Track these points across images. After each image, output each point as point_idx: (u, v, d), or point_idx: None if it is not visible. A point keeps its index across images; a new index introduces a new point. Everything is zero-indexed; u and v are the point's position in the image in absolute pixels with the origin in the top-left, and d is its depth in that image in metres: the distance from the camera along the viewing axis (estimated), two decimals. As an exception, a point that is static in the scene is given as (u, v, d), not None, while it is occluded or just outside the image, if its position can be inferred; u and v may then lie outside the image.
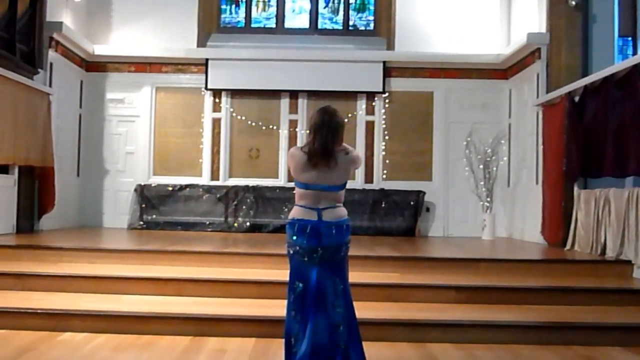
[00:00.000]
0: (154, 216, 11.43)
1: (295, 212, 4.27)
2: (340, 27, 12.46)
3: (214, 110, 11.94)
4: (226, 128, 11.90)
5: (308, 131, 4.34)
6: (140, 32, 11.83)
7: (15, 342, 5.00)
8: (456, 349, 5.09)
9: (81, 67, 11.57)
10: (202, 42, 11.95)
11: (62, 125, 10.72)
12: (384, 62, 11.76)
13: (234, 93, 11.93)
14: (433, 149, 11.84)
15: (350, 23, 12.45)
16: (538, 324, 5.49)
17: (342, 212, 4.29)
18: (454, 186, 11.70)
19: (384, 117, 11.86)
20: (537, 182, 10.03)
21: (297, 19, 12.50)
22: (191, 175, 11.81)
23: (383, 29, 12.19)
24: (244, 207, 11.44)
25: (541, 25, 10.11)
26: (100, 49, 11.62)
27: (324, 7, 12.48)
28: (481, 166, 11.12)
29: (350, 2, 12.45)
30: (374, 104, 11.89)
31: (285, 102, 11.93)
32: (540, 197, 9.60)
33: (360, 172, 11.56)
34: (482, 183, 11.10)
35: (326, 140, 4.15)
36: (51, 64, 10.20)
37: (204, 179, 11.80)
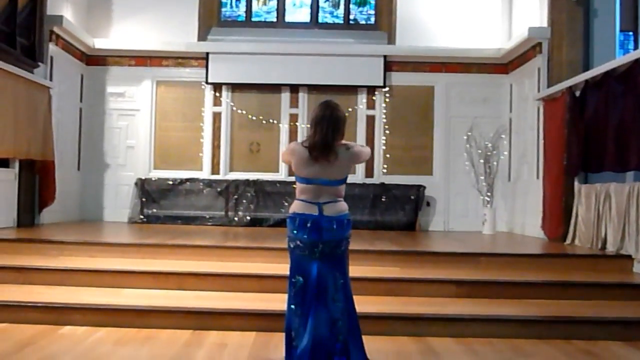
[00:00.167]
0: (155, 210, 11.44)
1: (296, 207, 4.28)
2: (341, 21, 12.43)
3: (215, 104, 11.93)
4: (227, 122, 11.89)
5: (309, 125, 4.34)
6: (140, 26, 11.81)
7: (16, 335, 5.01)
8: (456, 343, 5.10)
9: (81, 61, 11.55)
10: (202, 36, 11.93)
11: (63, 119, 10.71)
12: (385, 57, 11.74)
13: (235, 87, 11.92)
14: (434, 144, 11.83)
15: (351, 17, 12.43)
16: (538, 319, 5.50)
17: (343, 206, 4.29)
18: (455, 181, 11.70)
19: (384, 111, 11.84)
20: (537, 177, 10.03)
21: (298, 12, 12.47)
22: (192, 169, 11.81)
23: (384, 23, 12.17)
24: (244, 201, 11.44)
25: (542, 20, 10.10)
26: (101, 43, 11.60)
27: (325, 1, 12.45)
28: (482, 161, 11.12)
29: (351, -4, 12.45)
30: (374, 98, 11.88)
31: (285, 96, 11.92)
32: (541, 191, 9.60)
33: (360, 167, 11.55)
34: (482, 177, 11.10)
35: (327, 134, 4.15)
36: (52, 58, 10.19)
37: (205, 173, 11.80)
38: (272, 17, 12.44)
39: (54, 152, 9.93)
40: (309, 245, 4.20)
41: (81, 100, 11.62)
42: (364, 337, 4.42)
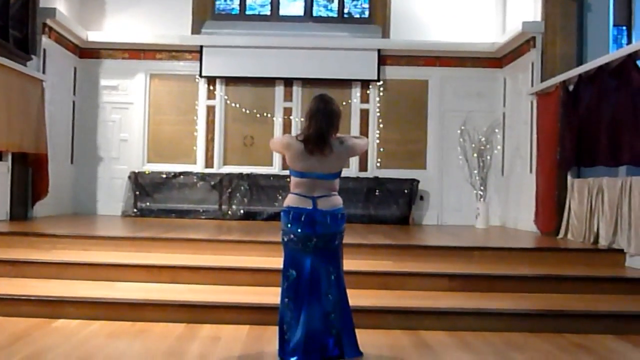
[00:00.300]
0: (148, 203, 11.42)
1: (290, 200, 4.29)
2: (335, 15, 12.42)
3: (209, 98, 11.91)
4: (220, 115, 11.88)
5: (303, 119, 4.35)
6: (134, 19, 11.77)
7: (9, 328, 5.00)
8: (449, 337, 5.11)
9: (75, 54, 11.51)
10: (196, 29, 11.89)
11: (56, 112, 10.67)
12: (379, 50, 11.74)
13: (229, 80, 11.90)
14: (427, 138, 11.85)
15: (345, 11, 12.41)
16: (531, 312, 5.52)
17: (337, 200, 4.31)
18: (448, 175, 11.72)
19: (378, 105, 11.85)
20: (530, 171, 10.05)
21: (292, 6, 12.44)
22: (185, 162, 11.79)
23: (378, 16, 12.15)
24: (238, 194, 11.43)
25: (536, 14, 10.11)
26: (94, 36, 11.56)
27: (319, -5, 12.45)
28: (475, 155, 11.14)
29: (346, -11, 12.43)
30: (368, 92, 11.87)
31: (279, 90, 11.90)
32: (534, 186, 9.62)
33: (354, 160, 11.55)
34: (476, 172, 11.12)
35: (321, 126, 4.16)
36: (44, 51, 10.14)
37: (198, 167, 11.79)
38: (266, 11, 12.41)
39: (47, 145, 9.89)
40: (302, 239, 4.21)
41: (74, 93, 11.58)
42: (357, 331, 4.45)
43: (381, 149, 11.78)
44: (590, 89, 8.28)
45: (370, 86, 11.85)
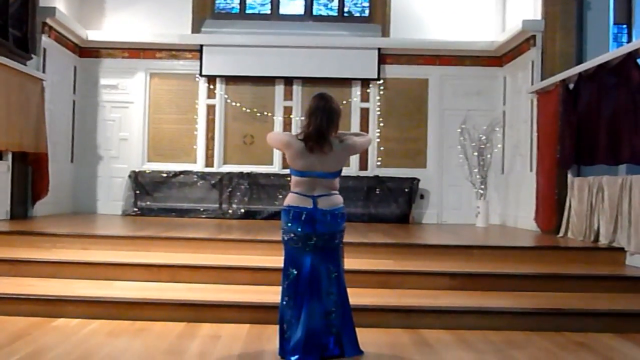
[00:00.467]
0: (148, 202, 11.42)
1: (290, 199, 4.29)
2: (335, 14, 12.41)
3: (209, 97, 11.91)
4: (220, 114, 11.87)
5: (303, 118, 4.35)
6: (133, 18, 11.77)
7: (9, 327, 5.00)
8: (449, 335, 5.11)
9: (74, 53, 11.50)
10: (196, 28, 11.89)
11: (56, 111, 10.67)
12: (379, 49, 11.73)
13: (229, 79, 11.90)
14: (427, 136, 11.85)
15: (345, 9, 12.41)
16: (531, 310, 5.51)
17: (338, 199, 4.31)
18: (448, 173, 11.72)
19: (378, 103, 11.84)
20: (531, 170, 10.05)
21: (292, 5, 12.44)
22: (185, 161, 11.79)
23: (378, 15, 12.15)
24: (238, 193, 11.43)
25: (536, 12, 10.10)
26: (94, 35, 11.55)
27: (319, -7, 12.45)
28: (475, 153, 11.14)
29: (345, -12, 12.42)
30: (368, 90, 11.87)
31: (279, 89, 11.90)
32: (534, 184, 9.62)
33: (354, 159, 11.56)
34: (476, 170, 11.11)
35: (321, 124, 4.17)
36: (44, 50, 10.14)
37: (198, 166, 11.79)
38: (266, 9, 12.41)
39: (47, 144, 9.89)
40: (302, 238, 4.21)
41: (74, 92, 11.57)
42: (357, 329, 4.45)
43: (381, 148, 11.78)
44: (590, 88, 8.28)
45: (370, 85, 11.85)
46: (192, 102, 11.88)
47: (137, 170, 11.60)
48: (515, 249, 7.46)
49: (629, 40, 9.30)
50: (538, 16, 10.03)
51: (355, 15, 12.43)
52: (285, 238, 4.31)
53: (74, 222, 9.30)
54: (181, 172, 11.55)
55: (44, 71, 10.05)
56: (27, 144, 9.38)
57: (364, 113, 11.86)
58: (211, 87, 11.88)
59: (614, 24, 9.56)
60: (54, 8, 10.10)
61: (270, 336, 4.72)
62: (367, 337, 4.67)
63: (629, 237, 7.12)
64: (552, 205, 9.09)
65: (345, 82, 11.79)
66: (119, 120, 11.85)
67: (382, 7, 12.04)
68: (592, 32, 9.59)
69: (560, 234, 8.78)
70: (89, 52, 11.76)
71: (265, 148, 11.55)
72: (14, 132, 9.02)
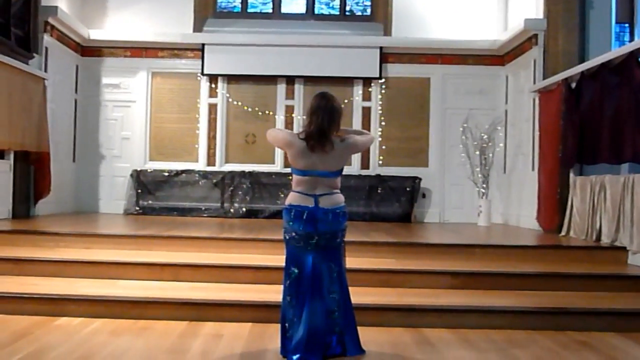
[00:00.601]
0: (150, 201, 11.43)
1: (292, 198, 4.29)
2: (337, 13, 12.40)
3: (210, 96, 11.91)
4: (222, 113, 11.87)
5: (305, 117, 4.35)
6: (135, 17, 11.77)
7: (11, 326, 5.01)
8: (451, 334, 5.11)
9: (76, 52, 11.50)
10: (198, 27, 11.89)
11: (58, 111, 10.68)
12: (381, 48, 11.72)
13: (230, 78, 11.90)
14: (429, 135, 11.84)
15: (347, 8, 12.40)
16: (533, 310, 5.51)
17: (339, 198, 4.31)
18: (450, 172, 11.71)
19: (380, 102, 11.84)
20: (533, 169, 10.04)
21: (294, 4, 12.43)
22: (187, 160, 11.79)
23: (380, 14, 12.14)
24: (240, 192, 11.44)
25: (538, 11, 10.09)
26: (96, 34, 11.55)
27: (321, -8, 12.44)
28: (477, 152, 11.13)
29: (347, -13, 12.41)
30: (370, 89, 11.86)
31: (281, 88, 11.90)
32: (536, 183, 9.61)
33: (356, 158, 11.57)
34: (478, 169, 11.11)
35: (322, 123, 4.17)
36: (46, 49, 10.14)
37: (200, 165, 11.79)
38: (268, 8, 12.41)
39: (49, 143, 9.89)
40: (304, 237, 4.22)
41: (76, 92, 11.58)
42: (359, 328, 4.45)
43: (383, 147, 11.78)
44: (592, 87, 8.27)
45: (372, 84, 11.84)
46: (194, 101, 11.88)
47: (139, 169, 11.61)
48: (517, 248, 7.45)
49: (632, 39, 9.29)
50: (540, 15, 10.01)
51: (357, 14, 12.42)
52: (287, 237, 4.31)
53: (76, 221, 9.31)
54: (183, 171, 11.56)
55: (46, 70, 10.05)
56: (29, 143, 9.39)
57: (366, 112, 11.86)
58: (213, 86, 11.88)
59: (617, 22, 9.55)
60: (56, 7, 10.10)
61: (272, 335, 4.72)
62: (368, 336, 4.67)
63: (631, 236, 7.11)
64: (554, 204, 9.08)
65: (347, 81, 11.78)
66: (121, 119, 11.85)
67: (384, 6, 12.03)
68: (594, 31, 9.57)
69: (563, 233, 8.78)
70: (91, 51, 11.76)
71: (267, 147, 11.53)
72: (16, 131, 9.03)
